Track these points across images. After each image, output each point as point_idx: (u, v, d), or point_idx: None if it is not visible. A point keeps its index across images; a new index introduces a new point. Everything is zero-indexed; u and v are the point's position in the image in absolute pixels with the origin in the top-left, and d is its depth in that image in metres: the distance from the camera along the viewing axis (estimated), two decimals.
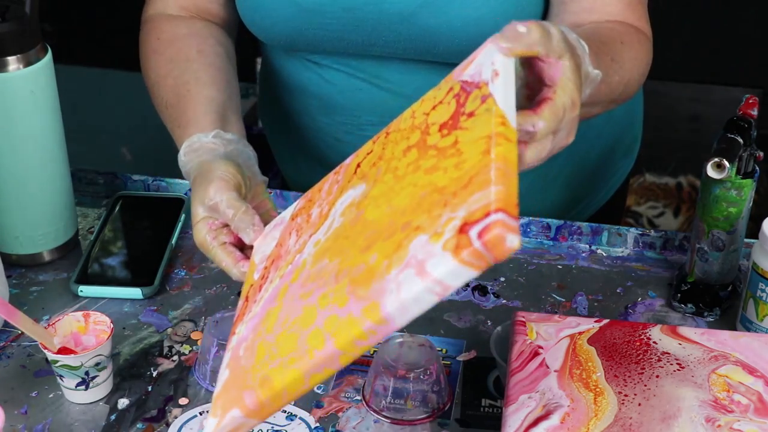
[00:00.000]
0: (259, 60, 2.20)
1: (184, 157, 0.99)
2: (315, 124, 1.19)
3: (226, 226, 0.92)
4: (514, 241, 0.60)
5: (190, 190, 1.19)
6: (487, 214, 0.60)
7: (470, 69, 0.75)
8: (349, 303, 0.67)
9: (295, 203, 0.89)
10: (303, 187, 1.29)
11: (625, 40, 0.98)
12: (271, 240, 0.87)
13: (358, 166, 0.80)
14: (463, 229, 0.61)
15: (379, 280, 0.65)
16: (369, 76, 1.11)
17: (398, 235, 0.67)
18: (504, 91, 0.70)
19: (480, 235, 0.60)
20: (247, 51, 1.23)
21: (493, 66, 0.72)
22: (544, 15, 1.06)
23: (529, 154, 0.75)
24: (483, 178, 0.64)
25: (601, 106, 0.96)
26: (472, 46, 1.03)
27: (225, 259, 0.91)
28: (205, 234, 0.91)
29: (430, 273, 0.62)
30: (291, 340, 0.70)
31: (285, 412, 0.93)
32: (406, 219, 0.68)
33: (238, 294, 1.07)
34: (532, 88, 0.78)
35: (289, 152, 1.28)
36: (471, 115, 0.70)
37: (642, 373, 0.83)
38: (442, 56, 1.06)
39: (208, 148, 0.98)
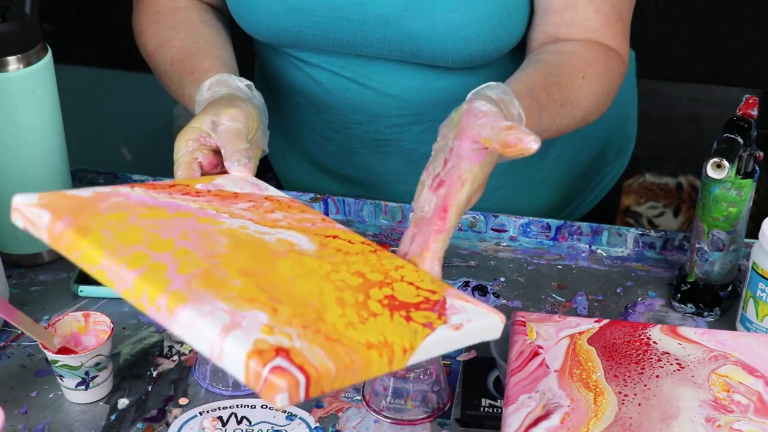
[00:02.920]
0: (256, 71, 2.19)
1: (208, 88, 0.98)
2: (303, 122, 1.20)
3: (214, 152, 0.91)
4: (281, 400, 0.61)
5: None
6: (299, 367, 0.62)
7: (462, 304, 0.75)
8: (183, 277, 0.68)
9: (281, 193, 0.88)
10: (294, 184, 1.29)
11: (588, 73, 1.01)
12: (241, 186, 0.87)
13: (334, 237, 0.81)
14: (279, 351, 0.63)
15: (212, 296, 0.67)
16: (355, 75, 1.11)
17: (264, 296, 0.68)
18: (443, 340, 0.71)
19: (273, 369, 0.62)
20: (247, 51, 1.23)
21: (473, 325, 0.73)
22: (529, 22, 1.07)
23: (441, 245, 0.79)
24: (339, 352, 0.65)
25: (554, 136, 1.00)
26: (455, 50, 1.04)
27: (182, 170, 0.90)
28: (188, 139, 0.90)
29: (225, 341, 0.64)
30: (130, 238, 0.72)
31: (285, 412, 0.93)
32: (284, 296, 0.69)
33: None
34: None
35: (279, 148, 1.28)
36: (409, 318, 0.71)
37: (642, 373, 0.83)
38: (426, 59, 1.06)
39: (239, 88, 0.98)
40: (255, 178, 0.90)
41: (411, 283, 0.76)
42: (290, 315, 0.67)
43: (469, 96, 0.87)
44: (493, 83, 0.88)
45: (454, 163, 0.80)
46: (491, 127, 0.79)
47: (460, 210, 0.79)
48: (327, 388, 0.63)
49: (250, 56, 1.26)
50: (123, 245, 0.71)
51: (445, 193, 0.79)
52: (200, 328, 0.65)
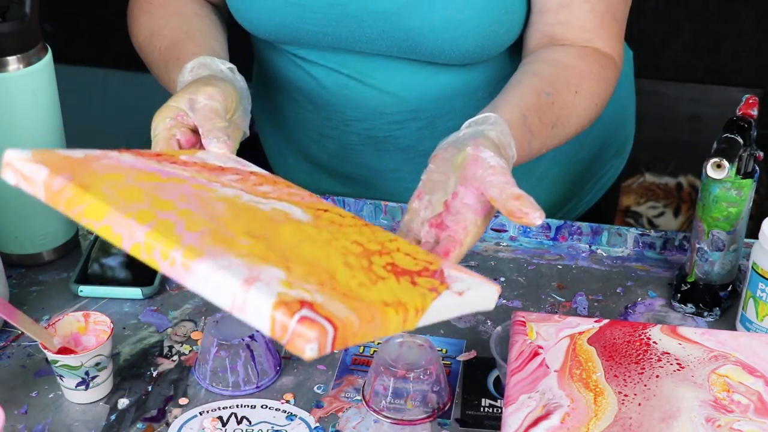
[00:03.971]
0: (254, 70, 2.19)
1: (190, 71, 0.98)
2: (300, 119, 1.20)
3: (192, 131, 0.91)
4: (309, 351, 0.61)
5: None
6: (326, 318, 0.62)
7: (458, 274, 0.76)
8: (194, 234, 0.67)
9: (256, 168, 0.88)
10: (291, 181, 1.29)
11: (581, 88, 1.01)
12: (224, 161, 0.87)
13: (325, 210, 0.81)
14: (304, 303, 0.63)
15: (225, 252, 0.66)
16: (354, 72, 1.11)
17: (276, 254, 0.68)
18: (448, 305, 0.72)
19: (300, 320, 0.61)
20: (247, 51, 1.23)
21: (470, 288, 0.74)
22: (526, 21, 1.07)
23: None
24: (363, 308, 0.65)
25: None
26: (454, 46, 1.04)
27: (160, 146, 0.89)
28: (166, 117, 0.90)
29: (248, 293, 0.63)
30: (133, 196, 0.71)
31: (285, 412, 0.93)
32: (294, 255, 0.69)
33: None
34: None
35: (276, 146, 1.28)
36: (414, 284, 0.72)
37: (642, 373, 0.83)
38: (424, 55, 1.06)
39: (221, 70, 0.98)
40: (236, 156, 0.90)
41: (408, 254, 0.76)
42: (304, 273, 0.66)
43: (468, 133, 0.87)
44: (492, 116, 0.89)
45: (459, 211, 0.82)
46: (500, 190, 0.80)
47: (460, 255, 0.81)
48: (351, 341, 0.63)
49: (249, 56, 1.26)
50: (126, 202, 0.69)
51: (449, 240, 0.81)
52: (220, 281, 0.63)
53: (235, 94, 0.94)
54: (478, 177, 0.82)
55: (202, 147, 0.91)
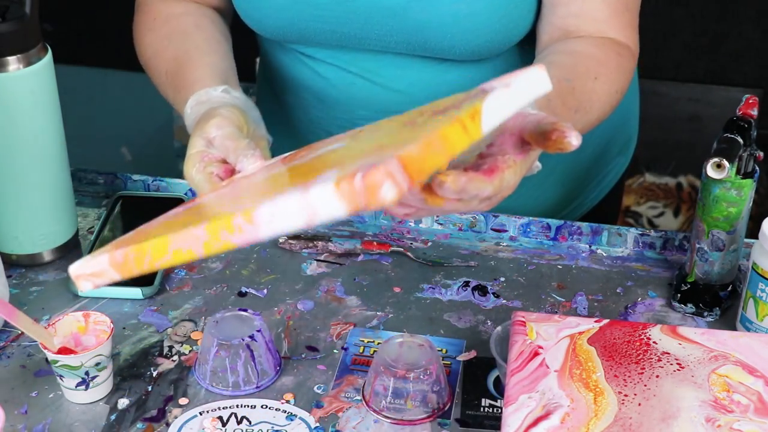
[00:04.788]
0: (258, 60, 2.19)
1: (190, 110, 0.99)
2: (309, 118, 1.20)
3: (224, 162, 0.90)
4: (388, 192, 0.61)
5: (190, 189, 1.19)
6: (384, 162, 0.62)
7: (499, 81, 0.76)
8: (241, 206, 0.69)
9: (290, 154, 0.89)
10: None
11: (600, 74, 1.01)
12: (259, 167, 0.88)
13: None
14: (360, 168, 0.63)
15: (282, 191, 0.68)
16: (362, 70, 1.11)
17: (320, 167, 0.71)
18: (502, 100, 0.71)
19: (364, 174, 0.61)
20: (247, 51, 1.23)
21: (515, 78, 0.74)
22: (537, 14, 1.07)
23: (455, 208, 0.77)
24: (413, 138, 0.66)
25: None
26: (463, 41, 1.04)
27: (208, 188, 0.89)
28: (195, 163, 0.90)
29: (309, 193, 0.63)
30: (180, 224, 0.73)
31: (285, 412, 0.93)
32: (340, 161, 0.71)
33: (239, 294, 1.07)
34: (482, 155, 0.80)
35: (284, 147, 1.28)
36: (458, 107, 0.73)
37: (642, 373, 0.83)
38: (434, 51, 1.06)
39: (216, 98, 0.98)
40: (272, 158, 0.91)
41: (451, 100, 0.77)
42: (357, 157, 0.69)
43: None
44: None
45: (496, 153, 0.78)
46: (537, 123, 0.78)
47: (503, 181, 0.77)
48: (424, 166, 0.64)
49: (252, 55, 1.26)
50: (178, 227, 0.71)
51: (492, 163, 0.77)
52: (282, 209, 0.64)
53: (238, 112, 0.94)
54: (517, 124, 0.79)
55: None
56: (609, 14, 1.04)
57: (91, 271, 0.74)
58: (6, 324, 1.01)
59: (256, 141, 0.94)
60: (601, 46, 1.03)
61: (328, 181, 0.62)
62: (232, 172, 0.90)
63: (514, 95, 0.72)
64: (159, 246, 0.70)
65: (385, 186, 0.61)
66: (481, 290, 1.08)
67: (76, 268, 0.75)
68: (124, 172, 1.25)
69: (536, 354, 0.85)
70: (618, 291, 1.08)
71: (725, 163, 0.93)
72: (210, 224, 0.67)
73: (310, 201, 0.63)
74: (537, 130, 0.78)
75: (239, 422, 0.92)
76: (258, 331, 0.95)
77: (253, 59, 2.18)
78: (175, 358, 0.99)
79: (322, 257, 1.13)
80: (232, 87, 1.01)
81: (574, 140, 0.76)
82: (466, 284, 1.09)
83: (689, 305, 1.04)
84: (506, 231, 1.17)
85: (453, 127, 0.67)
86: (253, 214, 0.65)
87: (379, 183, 0.61)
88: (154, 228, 0.77)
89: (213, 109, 0.95)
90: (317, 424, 0.92)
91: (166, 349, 1.00)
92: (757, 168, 1.00)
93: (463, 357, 0.99)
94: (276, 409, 0.93)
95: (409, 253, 1.13)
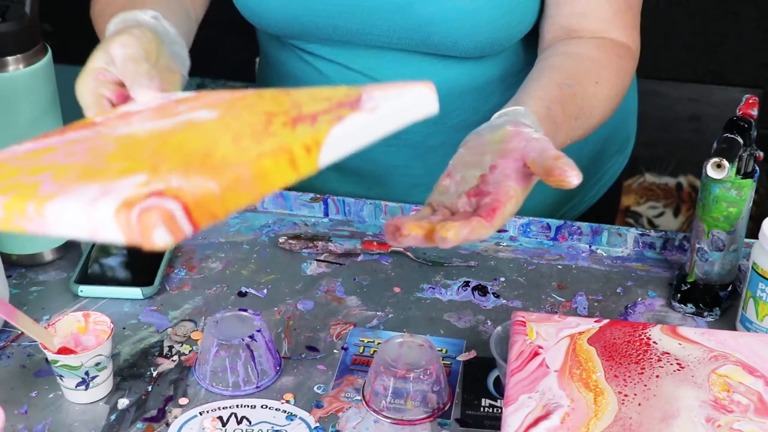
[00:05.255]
0: (258, 60, 2.19)
1: (112, 27, 0.92)
2: None
3: (120, 85, 0.85)
4: (160, 238, 0.56)
5: None
6: (173, 197, 0.57)
7: (376, 97, 0.70)
8: (55, 183, 0.64)
9: (190, 93, 0.81)
10: (299, 181, 1.29)
11: (601, 77, 1.01)
12: (142, 104, 0.81)
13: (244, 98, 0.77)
14: (151, 194, 0.58)
15: (93, 180, 0.63)
16: (362, 68, 1.11)
17: (137, 163, 0.64)
18: (358, 127, 0.66)
19: (140, 212, 0.57)
20: (247, 51, 1.23)
21: (392, 95, 0.69)
22: (540, 11, 1.07)
23: (454, 235, 0.75)
24: (232, 167, 0.60)
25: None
26: (466, 38, 1.04)
27: (92, 110, 0.84)
28: (88, 80, 0.84)
29: (94, 208, 0.59)
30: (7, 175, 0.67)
31: (285, 412, 0.93)
32: (158, 158, 0.65)
33: (239, 294, 1.07)
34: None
35: None
36: (313, 119, 0.67)
37: (642, 373, 0.83)
38: (436, 47, 1.06)
39: (140, 19, 0.91)
40: (170, 93, 0.83)
41: (327, 98, 0.69)
42: (172, 166, 0.61)
43: (503, 120, 0.85)
44: (521, 108, 0.88)
45: (499, 180, 0.79)
46: (540, 152, 0.79)
47: (504, 218, 0.78)
48: (219, 210, 0.58)
49: (251, 55, 1.26)
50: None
51: (492, 202, 0.78)
52: (70, 213, 0.59)
53: (152, 37, 0.88)
54: (520, 147, 0.80)
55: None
56: (613, 13, 1.04)
57: None
58: (6, 324, 1.01)
59: (165, 74, 0.87)
60: (603, 48, 1.03)
61: (113, 200, 0.57)
62: (125, 99, 0.85)
63: (380, 121, 0.66)
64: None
65: (158, 231, 0.56)
66: (481, 290, 1.08)
67: None
68: None
69: (536, 354, 0.85)
70: (618, 291, 1.08)
71: (725, 163, 0.93)
72: (9, 202, 0.62)
73: (94, 217, 0.58)
74: (539, 162, 0.79)
75: (239, 422, 0.92)
76: (258, 331, 0.95)
77: (253, 59, 2.18)
78: (175, 358, 0.99)
79: (322, 257, 1.13)
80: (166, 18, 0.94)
81: (574, 179, 0.78)
82: (466, 284, 1.09)
83: (689, 305, 1.04)
84: (506, 231, 1.17)
85: (278, 161, 0.61)
86: (44, 207, 0.61)
87: (152, 225, 0.56)
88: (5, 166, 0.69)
89: (130, 26, 0.89)
90: (317, 424, 0.92)
91: (166, 349, 1.00)
92: (757, 168, 1.00)
93: (463, 357, 0.99)
94: (276, 409, 0.93)
95: (409, 253, 1.13)
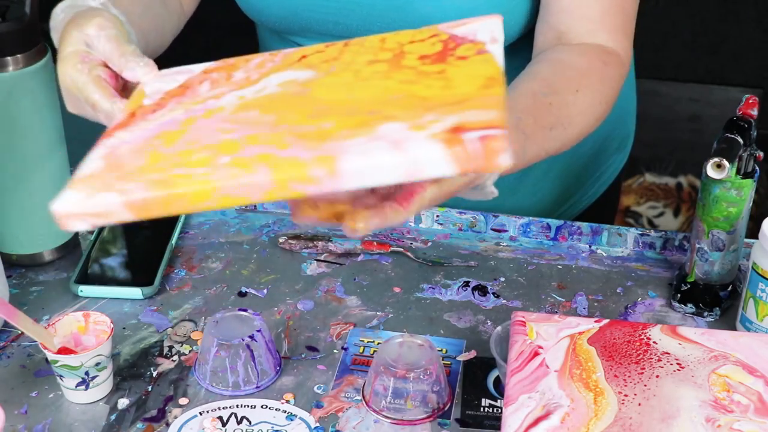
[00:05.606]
0: None
1: (60, 12, 0.88)
2: None
3: (106, 66, 0.83)
4: (507, 159, 0.62)
5: None
6: (491, 128, 0.63)
7: (463, 29, 0.80)
8: (293, 149, 0.66)
9: (207, 64, 0.84)
10: None
11: (582, 86, 0.98)
12: (171, 81, 0.81)
13: (304, 56, 0.81)
14: (456, 130, 0.64)
15: (335, 141, 0.66)
16: None
17: (362, 117, 0.69)
18: (501, 56, 0.74)
19: (482, 138, 0.63)
20: (247, 51, 1.23)
21: (492, 33, 0.78)
22: (535, 15, 1.07)
23: (364, 226, 0.73)
24: (484, 103, 0.67)
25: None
26: None
27: (97, 91, 0.80)
28: (75, 63, 0.81)
29: (408, 151, 0.63)
30: (203, 160, 0.68)
31: (285, 412, 0.93)
32: (373, 108, 0.70)
33: (239, 294, 1.07)
34: None
35: None
36: (463, 58, 0.75)
37: (642, 373, 0.83)
38: None
39: (91, 5, 0.88)
40: (168, 69, 0.83)
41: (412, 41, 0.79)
42: (402, 113, 0.67)
43: None
44: None
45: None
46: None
47: (422, 204, 0.74)
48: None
49: (251, 54, 1.26)
50: (199, 164, 0.67)
51: (407, 186, 0.75)
52: (376, 162, 0.63)
53: (119, 23, 0.85)
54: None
55: (124, 82, 0.84)
56: (601, 13, 1.02)
57: (94, 211, 0.66)
58: (6, 324, 1.01)
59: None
60: (587, 55, 1.01)
61: (417, 140, 0.63)
62: (116, 77, 0.83)
63: (500, 47, 0.75)
64: (200, 193, 0.65)
65: (504, 154, 0.62)
66: (481, 290, 1.08)
67: (65, 206, 0.66)
68: None
69: (536, 354, 0.85)
70: (618, 291, 1.08)
71: (725, 163, 0.93)
72: (276, 172, 0.64)
73: (413, 156, 0.63)
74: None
75: (239, 422, 0.92)
76: (258, 331, 0.95)
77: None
78: (175, 358, 0.99)
79: (322, 257, 1.13)
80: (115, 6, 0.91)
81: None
82: (466, 284, 1.09)
83: (689, 305, 1.04)
84: (506, 231, 1.17)
85: (503, 91, 0.68)
86: (336, 168, 0.63)
87: (499, 150, 0.62)
88: (147, 164, 0.70)
89: (93, 10, 0.86)
90: (317, 424, 0.92)
91: (166, 349, 1.00)
92: (757, 168, 1.00)
93: (463, 357, 0.99)
94: (276, 409, 0.93)
95: (409, 253, 1.13)
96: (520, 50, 1.10)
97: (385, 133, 0.65)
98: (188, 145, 0.70)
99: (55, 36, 0.89)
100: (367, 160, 0.63)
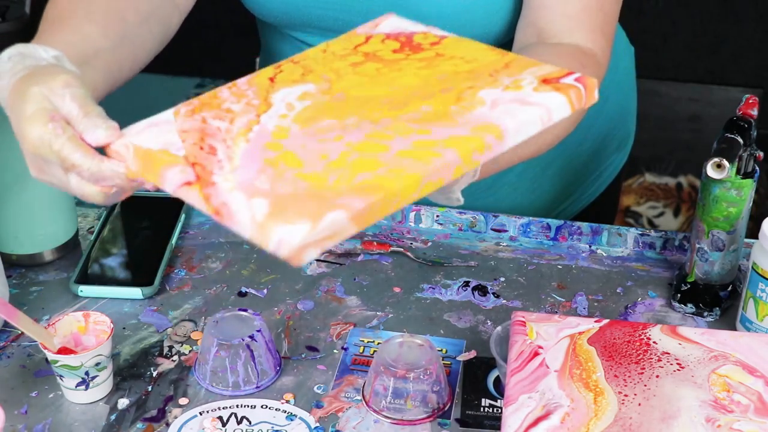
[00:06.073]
0: (258, 60, 2.20)
1: (6, 63, 0.81)
2: None
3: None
4: (597, 93, 0.77)
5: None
6: (569, 74, 0.77)
7: (383, 27, 0.87)
8: (439, 131, 0.72)
9: (174, 108, 0.79)
10: None
11: None
12: (165, 132, 0.76)
13: (272, 79, 0.81)
14: (547, 81, 0.76)
15: (463, 115, 0.74)
16: None
17: (442, 95, 0.76)
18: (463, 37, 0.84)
19: (578, 80, 0.76)
20: (247, 51, 1.23)
21: (416, 26, 0.87)
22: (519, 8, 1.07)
23: None
24: (525, 62, 0.79)
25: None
26: (462, 33, 1.04)
27: (78, 151, 0.75)
28: (45, 123, 0.75)
29: (540, 103, 0.74)
30: (364, 163, 0.69)
31: (285, 412, 0.93)
32: (443, 86, 0.77)
33: (239, 294, 1.07)
34: None
35: None
36: (435, 43, 0.84)
37: (642, 373, 0.83)
38: None
39: (43, 57, 0.82)
40: (138, 123, 0.78)
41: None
42: (477, 82, 0.78)
43: None
44: None
45: None
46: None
47: None
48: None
49: (251, 56, 1.26)
50: (371, 166, 0.69)
51: None
52: (525, 120, 0.73)
53: (80, 80, 0.80)
54: None
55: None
56: (579, 9, 1.01)
57: (324, 236, 0.64)
58: (6, 324, 1.01)
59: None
60: (564, 56, 0.99)
61: (533, 95, 0.75)
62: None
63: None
64: (409, 186, 0.67)
65: (596, 90, 0.77)
66: (481, 290, 1.08)
67: (295, 241, 0.63)
68: None
69: (536, 354, 0.85)
70: (618, 291, 1.08)
71: (725, 163, 0.94)
72: (459, 149, 0.70)
73: (547, 108, 0.73)
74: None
75: (239, 422, 0.92)
76: (258, 331, 0.95)
77: (253, 59, 2.19)
78: (175, 358, 0.99)
79: (322, 257, 1.13)
80: (89, 66, 0.87)
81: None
82: (466, 284, 1.09)
83: (689, 305, 1.04)
84: (506, 231, 1.17)
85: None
86: (501, 130, 0.72)
87: (593, 84, 0.76)
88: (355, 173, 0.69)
89: (52, 66, 0.80)
90: (317, 424, 0.92)
91: (166, 349, 1.00)
92: (757, 168, 1.00)
93: (463, 357, 0.99)
94: (276, 409, 0.93)
95: (409, 253, 1.13)
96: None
97: (493, 97, 0.75)
98: (322, 159, 0.71)
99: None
100: (517, 118, 0.73)
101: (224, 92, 0.81)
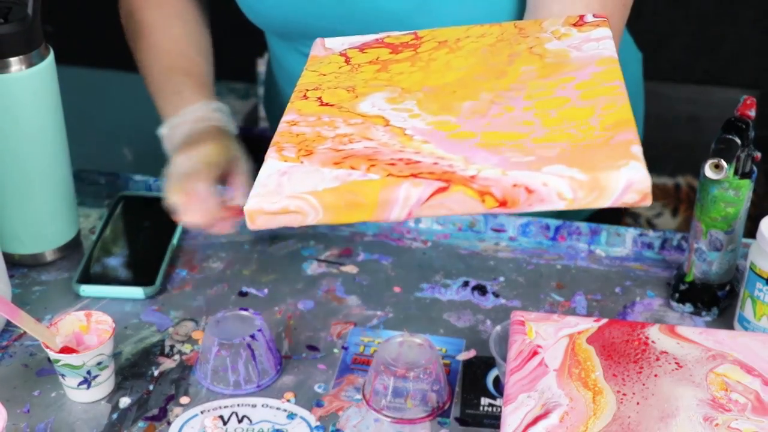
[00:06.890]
0: (259, 60, 2.20)
1: (186, 127, 1.05)
2: None
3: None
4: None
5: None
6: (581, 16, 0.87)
7: (333, 46, 0.91)
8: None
9: (270, 161, 0.76)
10: None
11: None
12: (308, 174, 0.73)
13: (324, 103, 0.83)
14: (575, 24, 0.84)
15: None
16: None
17: (516, 70, 0.80)
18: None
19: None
20: (247, 51, 1.23)
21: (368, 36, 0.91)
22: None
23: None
24: (529, 22, 0.87)
25: None
26: None
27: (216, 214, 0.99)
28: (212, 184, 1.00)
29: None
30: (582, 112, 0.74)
31: (286, 411, 0.93)
32: (499, 64, 0.80)
33: (239, 293, 1.08)
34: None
35: None
36: (419, 38, 0.86)
37: (640, 372, 0.84)
38: None
39: (210, 117, 1.06)
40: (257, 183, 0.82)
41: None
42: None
43: None
44: None
45: None
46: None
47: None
48: None
49: (251, 55, 1.27)
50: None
51: None
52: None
53: (228, 140, 1.04)
54: None
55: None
56: (582, 9, 1.02)
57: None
58: (8, 323, 1.01)
59: (232, 163, 1.02)
60: None
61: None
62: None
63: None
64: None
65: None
66: (481, 290, 1.09)
67: (642, 177, 0.66)
68: (126, 172, 1.26)
69: (535, 353, 0.86)
70: (617, 291, 1.09)
71: (723, 163, 0.94)
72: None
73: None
74: None
75: (240, 421, 0.92)
76: (259, 330, 0.95)
77: (253, 59, 2.19)
78: (177, 357, 1.00)
79: (322, 257, 1.13)
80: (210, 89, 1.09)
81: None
82: (466, 284, 1.09)
83: (687, 305, 1.05)
84: (505, 231, 1.17)
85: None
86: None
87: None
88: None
89: (218, 131, 1.04)
90: (318, 423, 0.92)
91: (167, 349, 1.01)
92: (755, 168, 1.00)
93: (462, 356, 1.00)
94: (276, 408, 0.94)
95: (408, 254, 1.13)
96: None
97: (556, 47, 0.81)
98: (524, 124, 0.74)
99: (173, 133, 1.06)
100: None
101: (301, 128, 0.78)
